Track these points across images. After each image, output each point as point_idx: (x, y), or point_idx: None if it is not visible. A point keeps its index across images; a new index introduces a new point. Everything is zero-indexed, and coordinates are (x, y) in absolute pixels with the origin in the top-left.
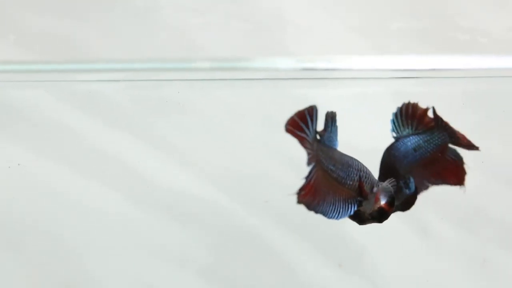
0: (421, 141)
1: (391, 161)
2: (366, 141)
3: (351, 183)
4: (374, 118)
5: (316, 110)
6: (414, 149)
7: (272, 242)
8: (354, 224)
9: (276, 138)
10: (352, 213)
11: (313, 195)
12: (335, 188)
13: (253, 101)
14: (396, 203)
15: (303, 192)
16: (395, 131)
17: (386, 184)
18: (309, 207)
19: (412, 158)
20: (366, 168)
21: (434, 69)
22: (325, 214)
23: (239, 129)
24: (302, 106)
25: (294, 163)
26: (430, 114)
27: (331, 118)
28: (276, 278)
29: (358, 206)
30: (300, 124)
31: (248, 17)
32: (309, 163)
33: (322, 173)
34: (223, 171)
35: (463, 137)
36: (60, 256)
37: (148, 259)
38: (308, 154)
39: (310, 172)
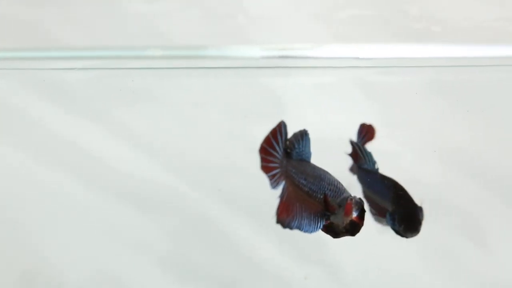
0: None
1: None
2: (328, 130)
3: (321, 196)
4: (337, 107)
5: (285, 126)
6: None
7: (231, 230)
8: None
9: (237, 126)
10: (321, 226)
11: (287, 212)
12: (307, 201)
13: (213, 90)
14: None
15: (278, 211)
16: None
17: (357, 197)
18: (284, 224)
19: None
20: (337, 181)
21: (393, 58)
22: (300, 228)
23: (200, 117)
24: (263, 95)
25: (256, 151)
26: None
27: (300, 135)
28: (234, 265)
29: (326, 220)
30: (269, 150)
31: (210, 4)
32: (274, 185)
33: (293, 188)
34: (183, 159)
35: None
36: (19, 243)
37: (107, 246)
38: (275, 174)
39: (282, 191)
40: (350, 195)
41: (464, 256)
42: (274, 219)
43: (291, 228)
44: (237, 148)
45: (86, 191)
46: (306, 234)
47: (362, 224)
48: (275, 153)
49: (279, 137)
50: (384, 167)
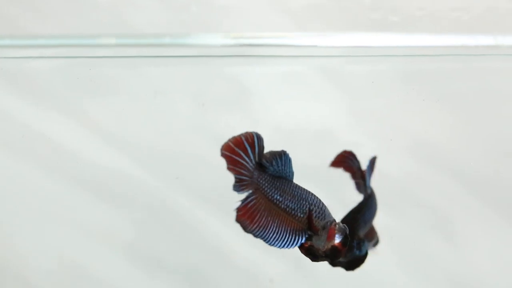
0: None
1: (356, 217)
2: (292, 119)
3: (302, 215)
4: (300, 96)
5: (258, 138)
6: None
7: (195, 219)
8: None
9: (200, 115)
10: (299, 244)
11: (251, 219)
12: (282, 217)
13: (175, 79)
14: (342, 259)
15: (239, 213)
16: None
17: (341, 224)
18: (245, 229)
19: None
20: (322, 204)
21: (352, 47)
22: (265, 240)
23: (162, 106)
24: (226, 84)
25: (220, 140)
26: None
27: (279, 154)
28: (198, 255)
29: (307, 240)
30: (237, 150)
31: None
32: (239, 189)
33: (265, 202)
34: (145, 148)
35: None
36: None
37: (73, 236)
38: (244, 181)
39: (247, 197)
40: (334, 220)
41: (431, 247)
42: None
43: (254, 235)
44: (200, 138)
45: (51, 181)
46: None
47: (343, 251)
48: (243, 161)
49: (247, 146)
50: None
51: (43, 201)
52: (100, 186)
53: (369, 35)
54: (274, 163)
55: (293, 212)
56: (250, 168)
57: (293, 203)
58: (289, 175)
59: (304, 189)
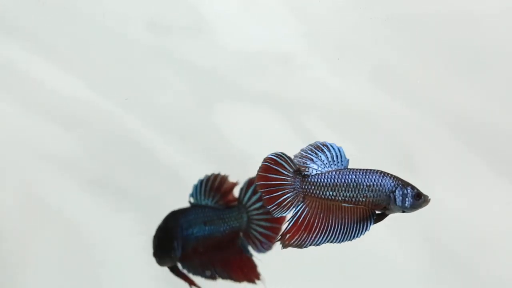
0: (215, 216)
1: (173, 224)
2: (251, 44)
3: (363, 199)
4: (259, 21)
5: (280, 156)
6: (205, 222)
7: (156, 148)
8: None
9: (161, 40)
10: (369, 229)
11: (308, 231)
12: (343, 210)
13: (137, 3)
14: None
15: (288, 235)
16: (194, 196)
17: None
18: (302, 245)
19: (199, 231)
20: (375, 177)
21: None
22: (332, 240)
23: (120, 31)
24: (186, 8)
25: (176, 66)
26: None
27: (320, 149)
28: (159, 183)
29: (375, 220)
30: (269, 176)
31: None
32: (284, 211)
33: (319, 204)
34: (107, 75)
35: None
36: None
37: (34, 167)
38: (286, 199)
39: (296, 213)
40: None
41: None
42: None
43: (316, 244)
44: (163, 64)
45: (12, 109)
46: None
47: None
48: (281, 181)
49: (276, 167)
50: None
51: (4, 130)
52: (62, 115)
53: None
54: (320, 158)
55: (353, 199)
56: (290, 181)
57: (349, 192)
58: (341, 163)
59: (356, 171)
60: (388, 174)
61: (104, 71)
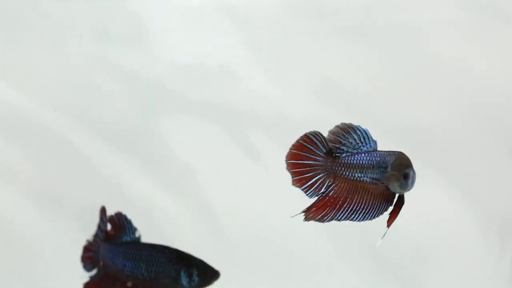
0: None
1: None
2: (190, 55)
3: (385, 181)
4: (200, 31)
5: (316, 135)
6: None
7: (95, 156)
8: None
9: (101, 50)
10: (392, 206)
11: (332, 207)
12: (371, 191)
13: (74, 13)
14: None
15: (314, 209)
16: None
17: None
18: (324, 220)
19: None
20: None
21: None
22: (353, 219)
23: (60, 40)
24: (126, 18)
25: (114, 73)
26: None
27: (348, 132)
28: (98, 192)
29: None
30: (302, 154)
31: None
32: (314, 193)
33: (347, 184)
34: (47, 83)
35: None
36: None
37: None
38: (318, 180)
39: (325, 191)
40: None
41: None
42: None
43: (339, 219)
44: (105, 75)
45: None
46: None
47: None
48: (312, 161)
49: (310, 146)
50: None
51: None
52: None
53: None
54: (348, 140)
55: (379, 182)
56: (322, 162)
57: (375, 174)
58: (370, 145)
59: (383, 153)
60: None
61: (45, 81)
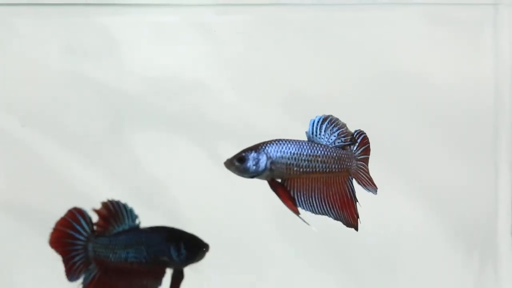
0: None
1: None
2: (160, 69)
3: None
4: (170, 46)
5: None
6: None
7: (62, 166)
8: None
9: (68, 66)
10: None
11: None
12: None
13: (42, 28)
14: None
15: None
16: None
17: None
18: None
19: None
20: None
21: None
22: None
23: (27, 57)
24: (96, 32)
25: (86, 90)
26: None
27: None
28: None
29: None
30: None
31: None
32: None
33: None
34: (14, 96)
35: None
36: None
37: None
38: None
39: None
40: None
41: None
42: None
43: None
44: (74, 88)
45: None
46: None
47: None
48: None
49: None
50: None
51: None
52: None
53: None
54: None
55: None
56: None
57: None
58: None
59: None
60: None
61: (13, 94)
